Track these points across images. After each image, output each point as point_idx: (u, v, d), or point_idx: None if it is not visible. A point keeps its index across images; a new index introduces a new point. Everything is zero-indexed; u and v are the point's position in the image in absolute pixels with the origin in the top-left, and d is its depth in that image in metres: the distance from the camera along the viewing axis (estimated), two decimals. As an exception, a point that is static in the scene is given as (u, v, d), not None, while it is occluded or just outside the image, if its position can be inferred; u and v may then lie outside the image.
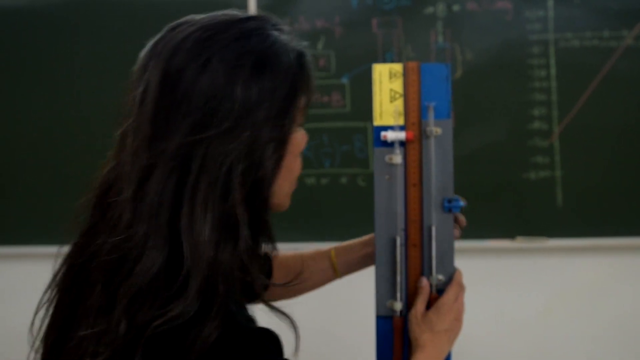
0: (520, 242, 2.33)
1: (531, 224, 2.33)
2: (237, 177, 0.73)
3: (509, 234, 2.34)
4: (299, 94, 0.79)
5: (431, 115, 0.94)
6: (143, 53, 0.80)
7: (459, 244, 2.32)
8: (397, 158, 0.95)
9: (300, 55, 0.81)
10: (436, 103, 0.94)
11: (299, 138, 0.83)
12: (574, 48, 2.33)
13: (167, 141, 0.74)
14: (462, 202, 0.94)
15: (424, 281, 0.96)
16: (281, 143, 0.77)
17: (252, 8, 2.40)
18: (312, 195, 2.39)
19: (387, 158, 0.96)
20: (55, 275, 0.82)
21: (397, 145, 0.96)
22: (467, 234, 2.22)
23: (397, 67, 0.96)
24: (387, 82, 0.96)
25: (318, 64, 2.39)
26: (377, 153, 0.96)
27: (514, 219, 2.34)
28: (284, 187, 0.81)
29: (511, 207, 2.35)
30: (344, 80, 2.39)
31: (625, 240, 2.31)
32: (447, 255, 0.95)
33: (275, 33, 0.80)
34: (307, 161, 2.39)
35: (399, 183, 0.96)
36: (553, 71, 2.34)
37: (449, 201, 0.95)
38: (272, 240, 0.82)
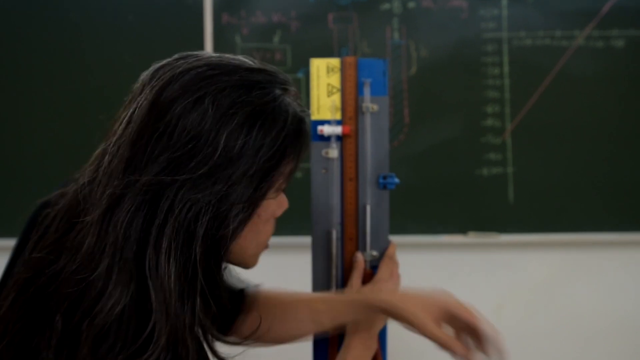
0: (472, 238, 2.35)
1: (483, 220, 2.34)
2: (201, 228, 0.70)
3: (462, 229, 2.36)
4: (286, 159, 0.75)
5: (367, 91, 0.95)
6: (144, 74, 0.78)
7: (412, 239, 2.34)
8: (334, 152, 0.96)
9: (300, 121, 0.76)
10: (373, 79, 0.95)
11: (274, 205, 0.79)
12: (527, 47, 2.35)
13: (141, 172, 0.71)
14: (397, 179, 0.95)
15: (359, 256, 0.96)
16: (250, 206, 0.73)
17: (208, 3, 2.38)
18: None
19: (323, 152, 0.97)
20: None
21: (333, 140, 0.96)
22: (420, 229, 2.32)
23: (335, 61, 0.96)
24: (324, 76, 0.96)
25: (274, 58, 2.38)
26: (314, 147, 0.97)
27: (466, 215, 2.36)
28: (247, 248, 0.77)
29: (464, 203, 2.36)
30: (300, 75, 2.39)
31: (575, 236, 2.33)
32: (381, 232, 0.95)
33: (279, 92, 0.76)
34: None
35: (335, 177, 0.97)
36: (506, 69, 2.35)
37: (384, 177, 0.95)
38: (222, 297, 0.78)
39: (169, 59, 0.77)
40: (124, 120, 0.75)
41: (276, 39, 2.38)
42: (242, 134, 0.71)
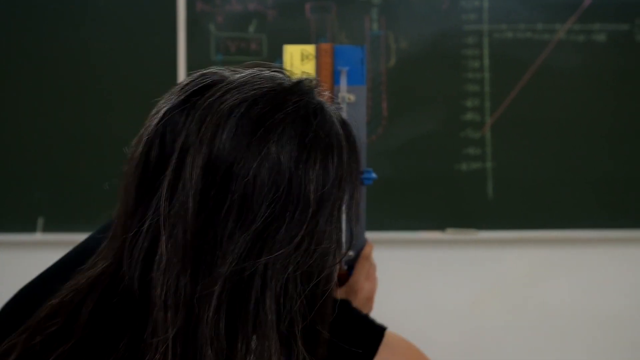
0: (450, 234, 2.32)
1: (461, 216, 2.31)
2: (297, 297, 0.58)
3: (440, 225, 2.33)
4: (353, 178, 0.63)
5: (344, 80, 0.89)
6: (159, 117, 0.61)
7: (389, 235, 2.31)
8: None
9: (345, 126, 0.65)
10: (350, 68, 0.88)
11: None
12: (508, 40, 2.33)
13: (217, 263, 0.56)
14: (374, 174, 0.89)
15: None
16: (340, 242, 0.62)
17: (182, -13, 2.30)
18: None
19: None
20: None
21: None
22: (397, 225, 2.27)
23: (310, 48, 0.90)
24: (298, 64, 0.90)
25: (250, 48, 2.32)
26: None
27: (444, 211, 2.33)
28: None
29: (442, 198, 2.33)
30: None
31: (553, 233, 2.32)
32: (358, 230, 0.90)
33: (325, 103, 0.64)
34: None
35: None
36: (487, 62, 2.33)
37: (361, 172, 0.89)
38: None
39: (183, 93, 0.61)
40: (163, 195, 0.57)
41: (252, 28, 2.32)
42: (322, 176, 0.59)
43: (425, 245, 2.34)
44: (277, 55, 2.44)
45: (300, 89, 0.63)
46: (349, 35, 2.32)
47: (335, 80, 0.89)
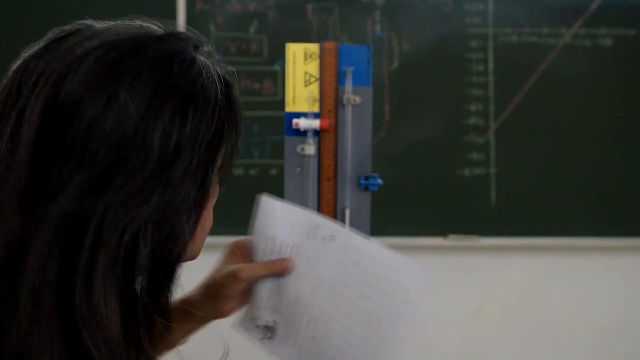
0: (452, 241, 2.28)
1: (464, 222, 2.28)
2: (144, 251, 0.55)
3: (442, 231, 2.29)
4: (225, 138, 0.61)
5: (349, 81, 0.85)
6: (16, 66, 0.59)
7: (390, 241, 2.27)
8: (310, 149, 0.86)
9: (227, 86, 0.62)
10: (355, 68, 0.84)
11: (216, 188, 0.64)
12: (513, 43, 2.30)
13: (49, 202, 0.54)
14: (379, 180, 0.85)
15: None
16: (199, 204, 0.59)
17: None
18: (239, 186, 2.28)
19: (298, 148, 0.87)
20: None
21: (310, 135, 0.86)
22: (398, 231, 2.24)
23: (313, 47, 0.86)
24: (301, 63, 0.86)
25: (250, 49, 2.28)
26: (288, 142, 0.86)
27: (446, 217, 2.30)
28: (196, 245, 0.64)
29: (444, 204, 2.30)
30: (277, 67, 2.29)
31: (557, 241, 2.29)
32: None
33: (199, 57, 0.61)
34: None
35: (311, 176, 0.87)
36: (491, 66, 2.30)
37: (366, 178, 0.85)
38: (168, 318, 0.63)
39: (44, 41, 0.59)
40: (5, 137, 0.56)
41: (252, 28, 2.28)
42: (176, 126, 0.56)
43: (426, 252, 2.30)
44: (278, 57, 2.42)
45: (171, 40, 0.61)
46: (351, 37, 2.29)
47: (339, 80, 0.85)
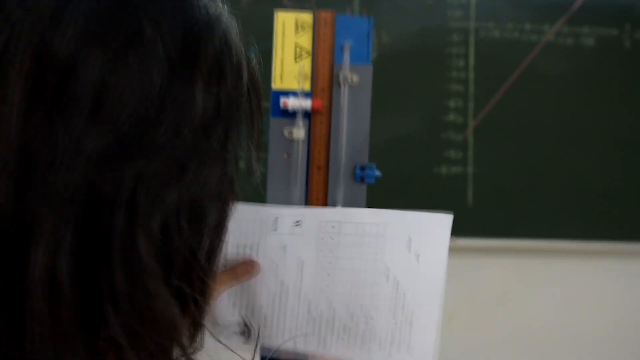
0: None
1: None
2: (183, 234, 0.44)
3: (417, 231, 2.19)
4: (257, 104, 0.52)
5: (347, 57, 0.74)
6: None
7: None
8: (299, 132, 0.75)
9: (249, 60, 0.55)
10: (354, 42, 0.74)
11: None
12: (495, 39, 2.23)
13: (52, 172, 0.40)
14: (377, 172, 0.75)
15: None
16: (231, 184, 0.48)
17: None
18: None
19: (286, 131, 0.76)
20: None
21: (299, 116, 0.75)
22: None
23: (306, 17, 0.75)
24: (291, 34, 0.75)
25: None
26: (274, 124, 0.76)
27: None
28: None
29: (420, 202, 2.20)
30: (250, 55, 2.17)
31: (536, 243, 2.22)
32: None
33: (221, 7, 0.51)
34: None
35: (299, 164, 0.76)
36: (472, 61, 2.22)
37: (362, 169, 0.75)
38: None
39: None
40: None
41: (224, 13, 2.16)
42: (212, 85, 0.46)
43: (401, 252, 2.20)
44: (250, 44, 2.30)
45: None
46: (328, 26, 2.19)
47: (335, 56, 0.75)
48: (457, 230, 2.35)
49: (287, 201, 0.77)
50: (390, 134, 2.20)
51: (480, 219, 2.22)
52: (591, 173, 2.25)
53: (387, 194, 2.23)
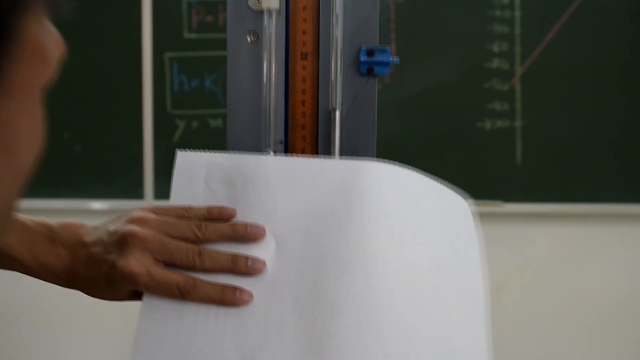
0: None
1: (485, 185, 2.08)
2: None
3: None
4: None
5: None
6: None
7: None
8: (272, 1, 0.48)
9: None
10: None
11: (47, 49, 0.33)
12: (544, -30, 2.11)
13: None
14: (394, 58, 0.51)
15: None
16: None
17: None
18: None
19: (251, 1, 0.49)
20: None
21: (272, -25, 0.49)
22: None
23: None
24: None
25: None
26: (233, -10, 0.49)
27: (464, 178, 2.01)
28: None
29: (461, 162, 2.08)
30: None
31: (592, 207, 2.08)
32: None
33: None
34: (213, 97, 1.99)
35: (273, 51, 0.49)
36: (517, -3, 2.07)
37: (370, 53, 0.50)
38: None
39: None
40: None
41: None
42: None
43: (439, 219, 1.99)
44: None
45: None
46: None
47: None
48: (505, 194, 2.17)
49: (256, 109, 0.50)
50: (424, 84, 2.06)
51: (531, 180, 2.07)
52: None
53: (421, 153, 2.07)
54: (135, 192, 1.99)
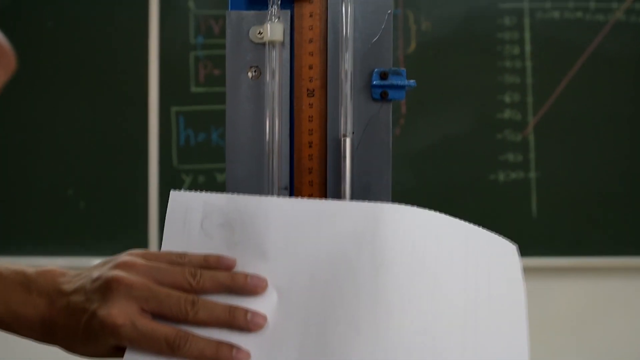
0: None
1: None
2: None
3: (472, 249, 1.94)
4: None
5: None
6: None
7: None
8: (275, 30, 0.45)
9: None
10: None
11: None
12: (554, 21, 2.08)
13: None
14: (409, 81, 0.46)
15: None
16: None
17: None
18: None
19: (252, 33, 0.45)
20: None
21: (274, 5, 0.45)
22: None
23: None
24: None
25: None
26: (234, 20, 0.45)
27: None
28: None
29: (474, 215, 1.95)
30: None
31: (613, 261, 2.05)
32: (375, 194, 0.52)
33: None
34: (220, 151, 1.98)
35: (275, 88, 0.45)
36: (528, 48, 2.05)
37: (383, 76, 0.45)
38: None
39: None
40: None
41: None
42: None
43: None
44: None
45: None
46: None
47: None
48: (521, 248, 2.11)
49: (258, 148, 0.46)
50: (436, 135, 2.05)
51: (547, 233, 2.04)
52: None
53: (433, 204, 1.99)
54: (141, 248, 1.95)
